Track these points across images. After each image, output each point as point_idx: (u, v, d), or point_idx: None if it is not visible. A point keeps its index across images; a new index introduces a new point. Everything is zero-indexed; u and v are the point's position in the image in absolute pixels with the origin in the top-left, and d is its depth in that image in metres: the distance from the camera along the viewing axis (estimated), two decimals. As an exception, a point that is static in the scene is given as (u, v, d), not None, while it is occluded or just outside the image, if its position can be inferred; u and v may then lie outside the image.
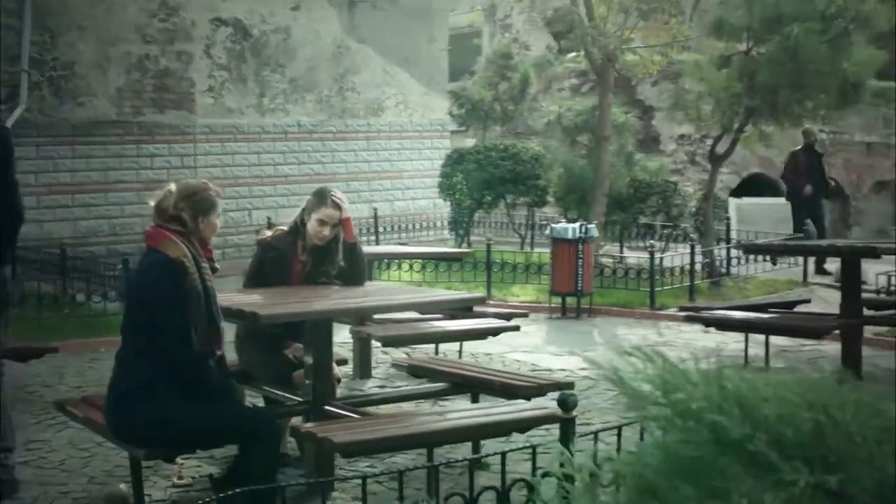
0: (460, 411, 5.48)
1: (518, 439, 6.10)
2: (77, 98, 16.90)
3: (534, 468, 4.56)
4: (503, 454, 4.48)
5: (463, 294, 7.75)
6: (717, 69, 13.69)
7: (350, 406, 5.94)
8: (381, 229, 18.97)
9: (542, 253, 14.82)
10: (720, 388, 1.83)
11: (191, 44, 18.08)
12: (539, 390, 6.05)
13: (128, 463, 6.60)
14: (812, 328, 8.21)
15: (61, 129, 16.64)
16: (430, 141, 21.30)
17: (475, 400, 6.56)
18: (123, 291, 5.17)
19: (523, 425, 5.39)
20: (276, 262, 6.49)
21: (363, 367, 8.84)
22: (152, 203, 5.18)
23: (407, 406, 7.33)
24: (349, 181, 19.89)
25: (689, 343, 10.94)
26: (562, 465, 2.55)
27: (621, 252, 15.80)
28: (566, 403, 4.60)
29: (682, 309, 9.82)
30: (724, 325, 8.66)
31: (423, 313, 7.51)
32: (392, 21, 20.65)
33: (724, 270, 14.36)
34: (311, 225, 6.43)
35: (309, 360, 5.83)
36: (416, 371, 6.95)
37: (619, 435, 4.89)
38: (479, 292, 10.66)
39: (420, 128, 21.12)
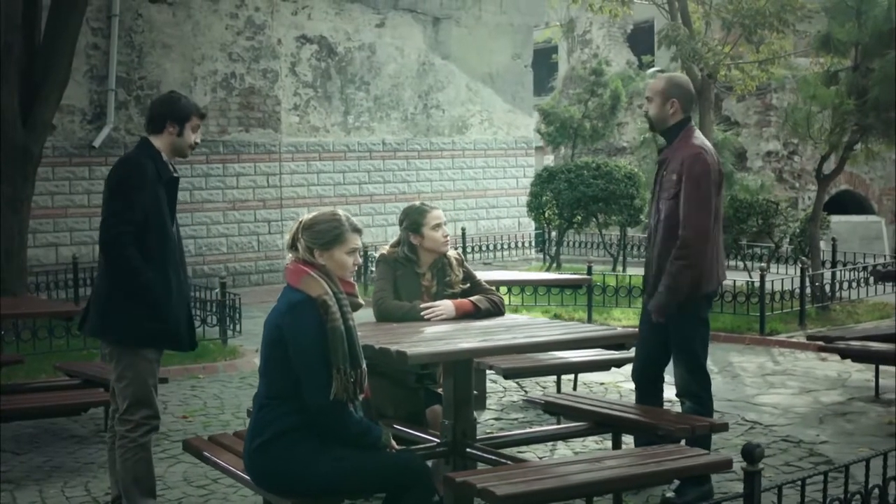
0: (614, 458, 5.08)
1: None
2: (164, 117, 16.79)
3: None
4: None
5: (617, 329, 7.32)
6: (826, 85, 13.20)
7: (490, 448, 5.56)
8: (468, 249, 18.72)
9: (637, 275, 14.38)
10: None
11: (276, 62, 17.94)
12: (691, 431, 5.64)
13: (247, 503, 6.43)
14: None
15: (148, 148, 16.54)
16: (514, 159, 21.00)
17: (616, 440, 6.17)
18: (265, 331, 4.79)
19: (690, 472, 4.98)
20: (407, 279, 6.20)
21: (478, 400, 8.47)
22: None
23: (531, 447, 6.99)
24: (434, 200, 19.61)
25: (808, 372, 10.47)
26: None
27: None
28: (752, 455, 4.17)
29: (810, 338, 9.31)
30: (864, 357, 8.12)
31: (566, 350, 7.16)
32: (476, 37, 20.39)
33: (830, 294, 13.82)
34: (430, 236, 6.16)
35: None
36: (551, 408, 6.57)
37: (802, 489, 4.49)
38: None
39: (505, 145, 20.82)
